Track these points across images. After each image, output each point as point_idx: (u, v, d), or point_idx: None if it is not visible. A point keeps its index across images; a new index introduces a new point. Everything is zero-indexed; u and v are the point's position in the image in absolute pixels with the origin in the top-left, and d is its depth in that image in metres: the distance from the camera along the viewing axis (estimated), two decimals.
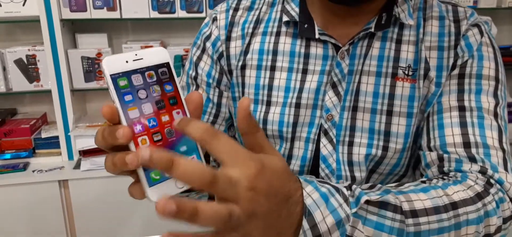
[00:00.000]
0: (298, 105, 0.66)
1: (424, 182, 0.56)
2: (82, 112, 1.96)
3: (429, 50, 0.64)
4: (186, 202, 0.33)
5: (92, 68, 1.79)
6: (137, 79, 0.40)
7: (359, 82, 0.65)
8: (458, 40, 0.64)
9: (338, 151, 0.66)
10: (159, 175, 0.39)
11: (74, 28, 1.85)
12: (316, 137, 0.67)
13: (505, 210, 0.56)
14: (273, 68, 0.68)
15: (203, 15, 1.78)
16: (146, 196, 0.39)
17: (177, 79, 0.42)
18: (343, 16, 0.65)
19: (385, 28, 0.64)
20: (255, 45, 0.69)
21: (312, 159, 0.68)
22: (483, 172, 0.58)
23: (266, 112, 0.68)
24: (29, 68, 1.75)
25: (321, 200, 0.45)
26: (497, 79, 0.64)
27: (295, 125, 0.67)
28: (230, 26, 0.71)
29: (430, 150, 0.63)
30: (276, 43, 0.68)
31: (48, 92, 1.76)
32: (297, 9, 0.67)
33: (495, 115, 0.62)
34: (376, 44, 0.65)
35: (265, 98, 0.68)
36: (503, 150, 0.60)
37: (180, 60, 1.84)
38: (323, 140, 0.67)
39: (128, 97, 0.39)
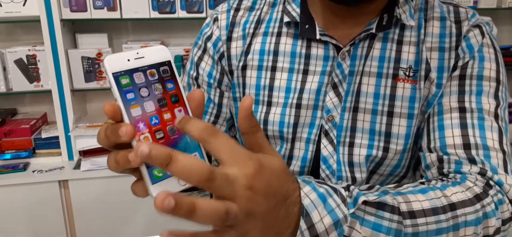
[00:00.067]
0: (298, 106, 0.66)
1: (422, 183, 0.56)
2: (82, 112, 1.96)
3: (430, 51, 0.64)
4: (184, 198, 0.33)
5: (92, 68, 1.79)
6: (139, 78, 0.40)
7: (360, 83, 0.65)
8: (459, 41, 0.64)
9: (338, 151, 0.66)
10: (162, 173, 0.39)
11: (74, 28, 1.84)
12: (317, 137, 0.67)
13: (504, 212, 0.56)
14: (274, 69, 0.68)
15: (203, 15, 1.78)
16: (149, 193, 0.39)
17: (178, 78, 0.42)
18: (344, 16, 0.65)
19: (386, 29, 0.63)
20: (256, 45, 0.69)
21: (313, 160, 0.68)
22: (482, 173, 0.58)
23: (267, 113, 0.68)
24: (29, 68, 1.75)
25: (318, 201, 0.45)
26: (498, 81, 0.64)
27: (295, 125, 0.67)
28: (231, 26, 0.71)
29: (430, 151, 0.63)
30: (277, 43, 0.68)
31: (48, 92, 1.76)
32: (298, 10, 0.67)
33: (496, 116, 0.62)
34: (377, 45, 0.65)
35: (265, 98, 0.68)
36: (504, 152, 0.60)
37: (180, 60, 1.83)
38: (324, 141, 0.67)
39: (130, 96, 0.39)
